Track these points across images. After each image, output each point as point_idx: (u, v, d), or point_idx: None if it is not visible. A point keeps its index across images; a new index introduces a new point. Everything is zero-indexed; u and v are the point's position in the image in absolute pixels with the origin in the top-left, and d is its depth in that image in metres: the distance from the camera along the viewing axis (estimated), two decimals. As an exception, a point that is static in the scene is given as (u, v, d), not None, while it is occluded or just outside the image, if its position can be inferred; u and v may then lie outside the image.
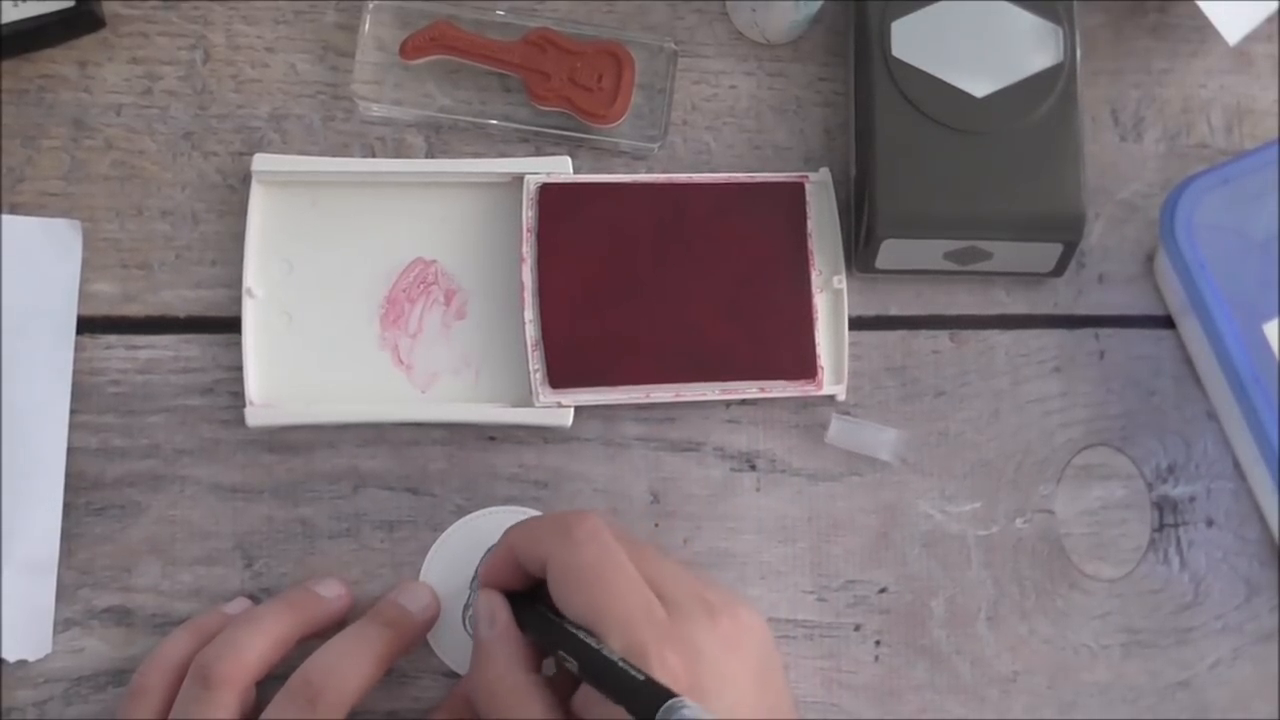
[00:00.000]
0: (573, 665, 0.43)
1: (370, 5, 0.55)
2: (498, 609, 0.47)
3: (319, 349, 0.53)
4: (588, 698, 0.44)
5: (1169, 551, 0.54)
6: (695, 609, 0.44)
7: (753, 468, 0.54)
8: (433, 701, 0.51)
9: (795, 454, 0.54)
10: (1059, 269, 0.54)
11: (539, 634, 0.46)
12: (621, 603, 0.43)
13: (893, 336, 0.55)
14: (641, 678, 0.40)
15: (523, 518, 0.52)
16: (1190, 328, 0.54)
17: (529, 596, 0.47)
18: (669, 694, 0.39)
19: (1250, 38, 0.56)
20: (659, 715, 0.38)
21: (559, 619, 0.45)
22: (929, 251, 0.53)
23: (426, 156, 0.55)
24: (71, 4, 0.52)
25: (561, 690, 0.45)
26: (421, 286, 0.54)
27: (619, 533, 0.46)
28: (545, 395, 0.52)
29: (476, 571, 0.51)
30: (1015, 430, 0.55)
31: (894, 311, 0.55)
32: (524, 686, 0.45)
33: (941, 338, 0.55)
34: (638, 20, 0.56)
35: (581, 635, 0.43)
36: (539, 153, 0.55)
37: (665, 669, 0.41)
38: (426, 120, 0.55)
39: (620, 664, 0.41)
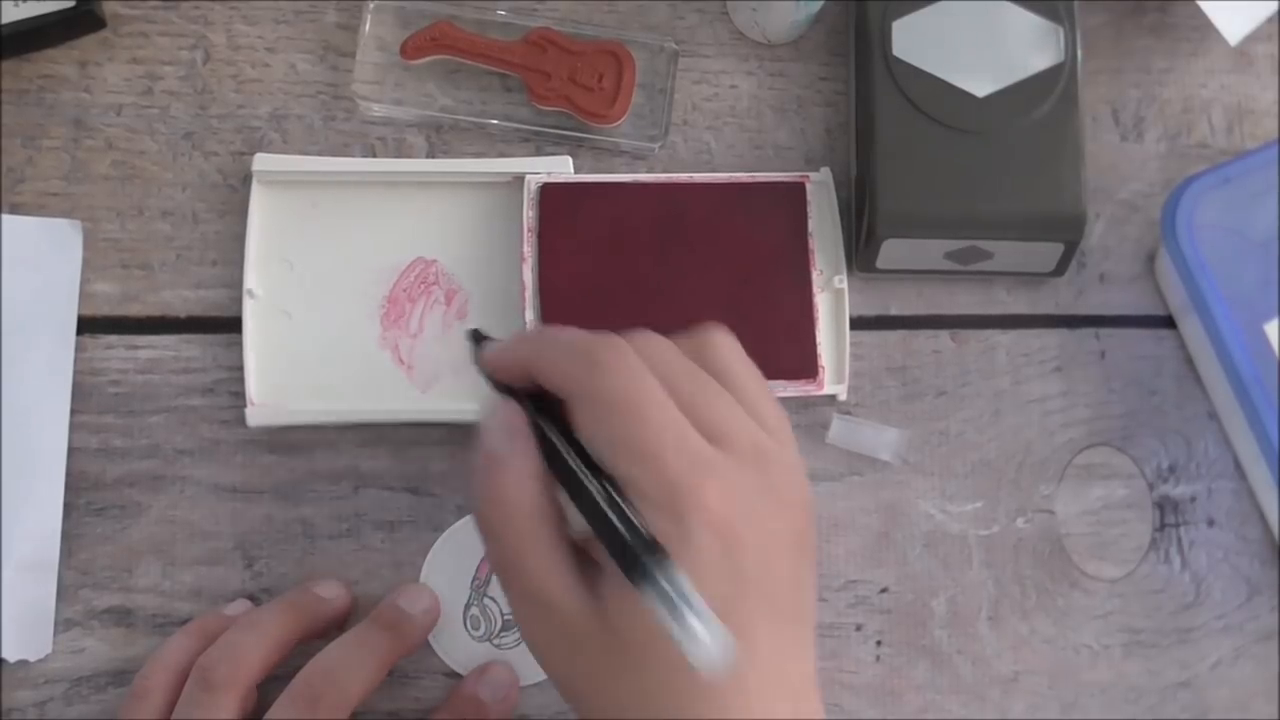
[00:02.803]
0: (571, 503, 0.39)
1: (371, 5, 0.55)
2: (517, 423, 0.41)
3: (319, 349, 0.53)
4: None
5: (1170, 551, 0.54)
6: (745, 450, 0.40)
7: (753, 468, 0.54)
8: (434, 702, 0.51)
9: (796, 454, 0.54)
10: (1060, 269, 0.54)
11: (548, 461, 0.41)
12: (653, 433, 0.38)
13: (893, 336, 0.55)
14: (631, 522, 0.37)
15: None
16: (1191, 327, 0.54)
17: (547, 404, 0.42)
18: (655, 547, 0.36)
19: (1251, 38, 0.56)
20: (641, 564, 0.35)
21: (567, 447, 0.40)
22: (930, 251, 0.53)
23: (427, 156, 0.55)
24: (72, 4, 0.52)
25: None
26: (422, 286, 0.54)
27: (666, 355, 0.41)
28: (546, 395, 0.52)
29: (477, 572, 0.51)
30: (1016, 430, 0.55)
31: (895, 311, 0.55)
32: (538, 508, 0.40)
33: (942, 337, 0.55)
34: (638, 20, 0.56)
35: (580, 471, 0.39)
36: (539, 153, 0.55)
37: (700, 507, 0.37)
38: (427, 120, 0.55)
39: (599, 499, 0.37)
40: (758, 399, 0.42)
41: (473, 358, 0.45)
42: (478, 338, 0.45)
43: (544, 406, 0.41)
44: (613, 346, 0.40)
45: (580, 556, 0.40)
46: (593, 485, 0.38)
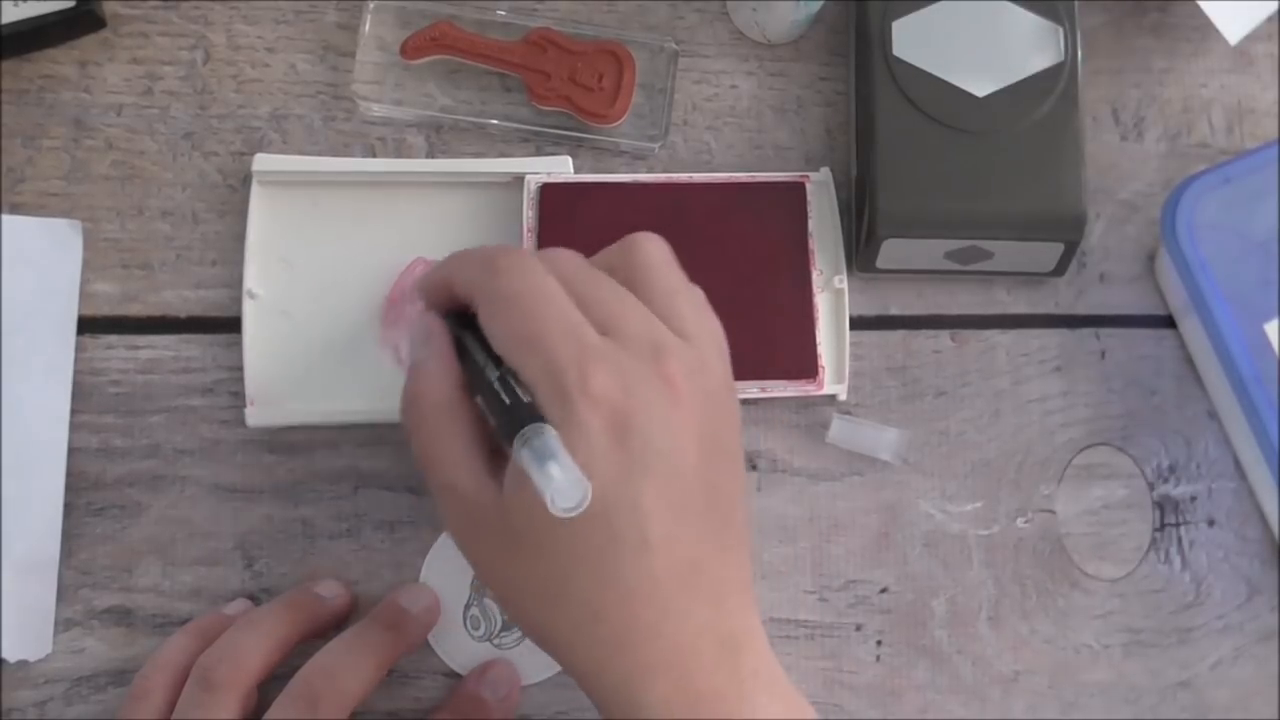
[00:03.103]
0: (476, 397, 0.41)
1: (371, 5, 0.55)
2: (436, 328, 0.44)
3: (319, 349, 0.53)
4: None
5: (1170, 551, 0.54)
6: (640, 342, 0.41)
7: (754, 467, 0.54)
8: (433, 702, 0.51)
9: (796, 454, 0.54)
10: (1060, 269, 0.54)
11: (463, 362, 0.44)
12: (544, 325, 0.40)
13: (893, 336, 0.55)
14: (512, 399, 0.39)
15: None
16: (1191, 327, 0.54)
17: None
18: (532, 417, 0.38)
19: (1251, 38, 0.56)
20: (517, 437, 0.37)
21: (477, 348, 0.42)
22: (930, 251, 0.53)
23: (427, 156, 0.55)
24: (72, 4, 0.52)
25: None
26: (422, 286, 0.54)
27: (569, 261, 0.43)
28: (546, 395, 0.52)
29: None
30: (1016, 430, 0.55)
31: (895, 311, 0.55)
32: (452, 404, 0.42)
33: (942, 337, 0.55)
34: (638, 20, 0.56)
35: (478, 357, 0.41)
36: (539, 153, 0.55)
37: (585, 390, 0.39)
38: (427, 120, 0.55)
39: (494, 382, 0.39)
40: (671, 299, 0.43)
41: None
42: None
43: (465, 321, 0.44)
44: (510, 252, 0.43)
45: (495, 453, 0.42)
46: (491, 372, 0.40)
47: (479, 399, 0.42)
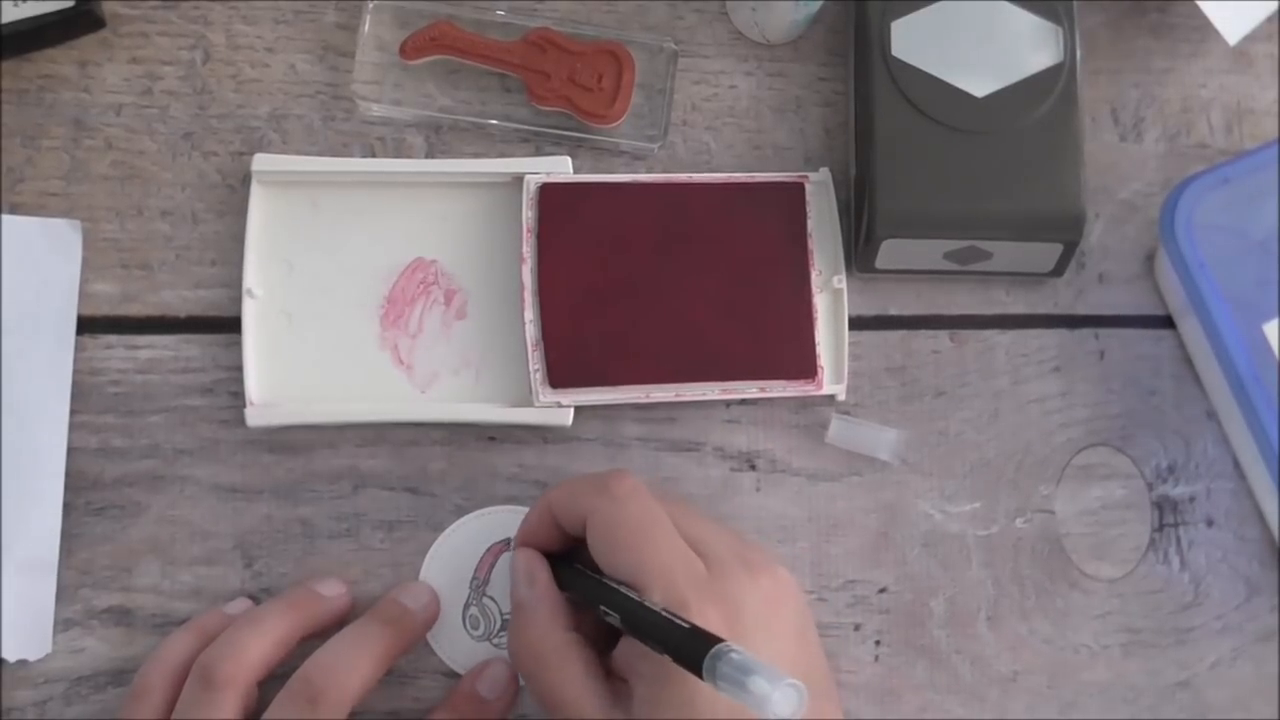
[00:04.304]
0: (615, 619, 0.43)
1: (370, 5, 0.55)
2: (536, 568, 0.48)
3: (319, 349, 0.53)
4: (629, 653, 0.44)
5: (1169, 551, 0.54)
6: (735, 566, 0.45)
7: (753, 468, 0.54)
8: (433, 701, 0.51)
9: (795, 454, 0.54)
10: (1059, 269, 0.54)
11: (578, 591, 0.47)
12: (663, 558, 0.44)
13: (893, 336, 0.55)
14: (687, 626, 0.41)
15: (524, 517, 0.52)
16: (1190, 328, 0.54)
17: (565, 557, 0.48)
18: (715, 639, 0.39)
19: (1250, 38, 0.56)
20: (706, 661, 0.38)
21: (599, 575, 0.45)
22: (929, 251, 0.53)
23: (426, 156, 0.55)
24: (71, 4, 0.52)
25: (598, 648, 0.46)
26: (421, 286, 0.54)
27: (658, 491, 0.47)
28: (545, 395, 0.52)
29: (476, 572, 0.51)
30: (1015, 430, 0.55)
31: (894, 311, 0.55)
32: (565, 645, 0.45)
33: (941, 338, 0.55)
34: (638, 20, 0.56)
35: (623, 590, 0.44)
36: (539, 153, 0.55)
37: (707, 623, 0.42)
38: (426, 120, 0.55)
39: (665, 614, 0.41)
40: (705, 520, 0.48)
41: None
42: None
43: (572, 556, 0.48)
44: (622, 477, 0.46)
45: (609, 677, 0.45)
46: (645, 599, 0.43)
47: (607, 616, 0.44)
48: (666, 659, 0.41)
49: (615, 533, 0.45)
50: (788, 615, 0.45)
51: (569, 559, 0.48)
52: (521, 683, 0.51)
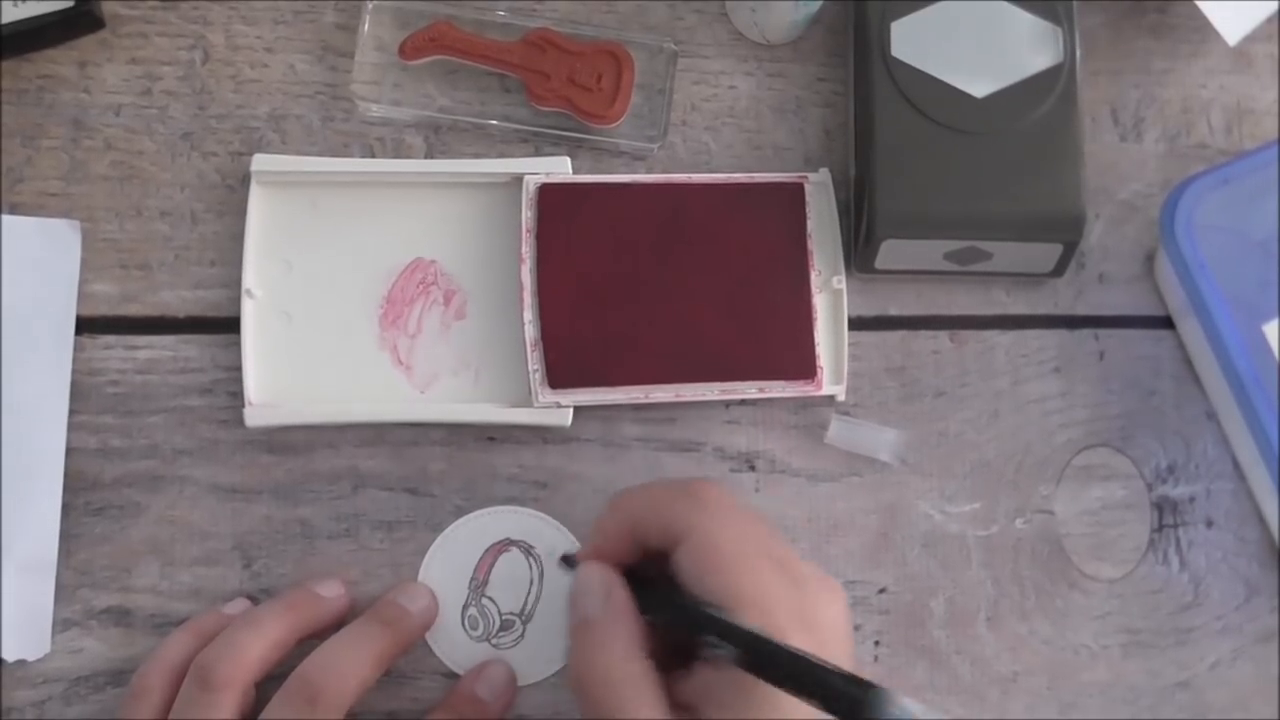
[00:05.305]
0: (728, 653, 0.40)
1: (370, 5, 0.55)
2: (614, 584, 0.43)
3: (319, 349, 0.53)
4: (709, 682, 0.41)
5: (1169, 552, 0.54)
6: (815, 586, 0.43)
7: (752, 468, 0.54)
8: (432, 702, 0.51)
9: (795, 454, 0.54)
10: (1059, 269, 0.54)
11: (666, 617, 0.43)
12: (761, 583, 0.41)
13: (892, 337, 0.55)
14: (837, 671, 0.38)
15: (525, 518, 0.52)
16: (1190, 328, 0.54)
17: (634, 573, 0.44)
18: (870, 686, 0.37)
19: (1250, 38, 0.56)
20: (871, 715, 0.36)
21: (698, 603, 0.41)
22: (929, 252, 0.53)
23: (426, 156, 0.55)
24: (71, 4, 0.52)
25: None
26: (421, 287, 0.54)
27: (740, 502, 0.44)
28: (545, 395, 0.52)
29: (475, 572, 0.51)
30: (1015, 430, 0.55)
31: (894, 312, 0.55)
32: (642, 675, 0.41)
33: (941, 338, 0.55)
34: (638, 20, 0.56)
35: (756, 628, 0.40)
36: (538, 153, 0.55)
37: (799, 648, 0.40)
38: (426, 120, 0.55)
39: (811, 658, 0.39)
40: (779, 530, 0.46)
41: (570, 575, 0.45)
42: (569, 561, 0.46)
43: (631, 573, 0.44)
44: (710, 487, 0.43)
45: (674, 707, 0.41)
46: (765, 638, 0.39)
47: (717, 649, 0.40)
48: (752, 686, 0.39)
49: (715, 554, 0.41)
50: (849, 632, 0.43)
51: (637, 575, 0.44)
52: (519, 681, 0.51)
